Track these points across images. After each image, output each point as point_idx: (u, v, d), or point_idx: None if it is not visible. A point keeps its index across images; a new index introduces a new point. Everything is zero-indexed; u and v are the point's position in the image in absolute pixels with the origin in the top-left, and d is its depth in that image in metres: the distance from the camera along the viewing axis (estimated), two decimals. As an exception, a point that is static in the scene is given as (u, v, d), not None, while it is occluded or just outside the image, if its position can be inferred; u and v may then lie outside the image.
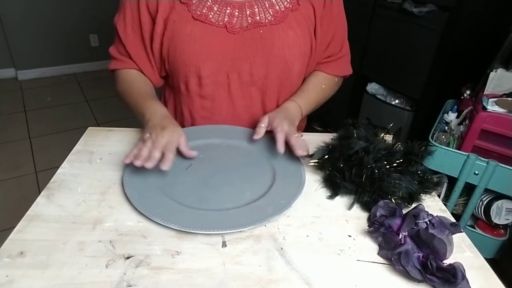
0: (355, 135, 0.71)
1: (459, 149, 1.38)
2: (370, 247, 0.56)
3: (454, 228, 0.55)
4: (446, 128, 1.54)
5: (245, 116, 0.86)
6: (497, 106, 1.32)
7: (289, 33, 0.79)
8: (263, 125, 0.74)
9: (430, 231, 0.53)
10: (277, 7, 0.78)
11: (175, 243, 0.54)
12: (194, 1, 0.76)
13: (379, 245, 0.56)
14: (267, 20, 0.78)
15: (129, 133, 0.81)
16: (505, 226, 1.46)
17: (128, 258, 0.51)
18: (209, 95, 0.83)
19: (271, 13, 0.78)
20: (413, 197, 0.64)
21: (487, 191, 1.38)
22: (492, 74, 1.40)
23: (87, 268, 0.49)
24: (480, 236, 1.47)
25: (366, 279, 0.51)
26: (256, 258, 0.53)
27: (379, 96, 2.02)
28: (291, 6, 0.79)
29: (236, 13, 0.77)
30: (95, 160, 0.72)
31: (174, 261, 0.51)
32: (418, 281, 0.50)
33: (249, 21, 0.77)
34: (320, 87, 0.89)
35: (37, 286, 0.47)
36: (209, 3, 0.76)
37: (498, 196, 1.38)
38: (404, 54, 1.83)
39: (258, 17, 0.78)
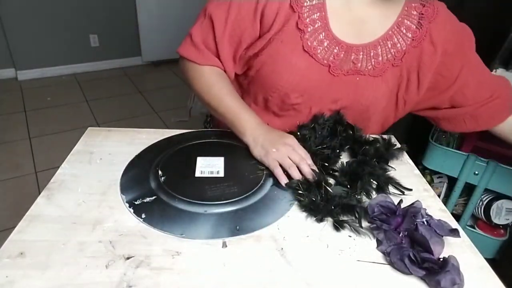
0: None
1: (459, 149, 1.38)
2: (370, 247, 0.56)
3: (453, 234, 0.55)
4: (446, 128, 1.54)
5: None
6: (497, 106, 1.32)
7: (382, 87, 0.78)
8: None
9: (424, 233, 0.53)
10: (380, 58, 0.76)
11: (175, 243, 0.54)
12: (309, 30, 0.73)
13: (378, 240, 0.56)
14: (367, 69, 0.76)
15: (129, 133, 0.81)
16: (505, 226, 1.46)
17: (128, 258, 0.51)
18: (283, 116, 0.82)
19: (373, 63, 0.76)
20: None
21: (487, 191, 1.38)
22: (492, 74, 1.40)
23: (87, 269, 0.49)
24: (480, 236, 1.47)
25: (366, 279, 0.51)
26: (256, 259, 0.53)
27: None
28: (393, 60, 0.76)
29: (342, 55, 0.75)
30: (95, 160, 0.72)
31: (174, 262, 0.51)
32: (406, 274, 0.51)
33: (350, 66, 0.76)
34: None
35: (37, 286, 0.47)
36: (321, 37, 0.74)
37: (498, 196, 1.38)
38: (404, 54, 1.83)
39: (359, 64, 0.76)
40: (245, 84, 0.86)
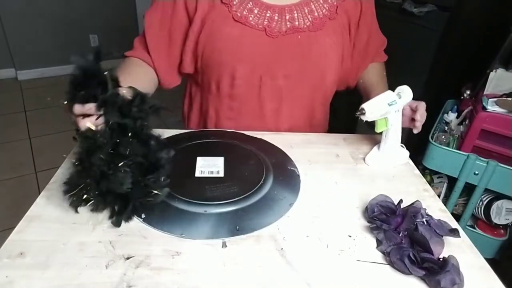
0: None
1: (459, 149, 1.38)
2: (370, 247, 0.56)
3: (453, 234, 0.55)
4: (446, 128, 1.54)
5: (270, 120, 0.86)
6: (497, 106, 1.32)
7: (326, 40, 0.80)
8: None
9: (424, 233, 0.53)
10: (316, 14, 0.79)
11: (175, 243, 0.54)
12: (235, 2, 0.76)
13: (378, 240, 0.56)
14: (305, 26, 0.79)
15: (129, 133, 0.81)
16: (505, 226, 1.46)
17: (128, 258, 0.51)
18: (239, 95, 0.83)
19: (310, 19, 0.79)
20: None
21: (487, 191, 1.38)
22: (492, 74, 1.40)
23: (87, 269, 0.49)
24: (480, 236, 1.47)
25: (366, 279, 0.51)
26: (256, 259, 0.53)
27: (379, 96, 2.01)
28: (329, 14, 0.80)
29: (276, 17, 0.77)
30: (95, 160, 0.71)
31: (174, 262, 0.51)
32: (406, 274, 0.51)
33: (288, 25, 0.78)
34: (384, 75, 0.93)
35: (37, 286, 0.47)
36: (250, 6, 0.77)
37: (498, 196, 1.38)
38: (404, 54, 1.83)
39: (296, 22, 0.78)
40: (199, 79, 0.87)
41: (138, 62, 0.84)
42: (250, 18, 0.76)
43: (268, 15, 0.77)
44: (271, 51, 0.78)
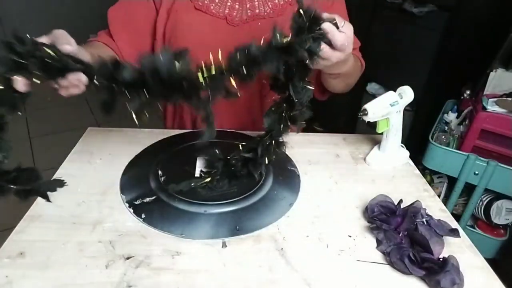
0: None
1: (459, 149, 1.38)
2: (370, 247, 0.56)
3: (453, 234, 0.55)
4: (446, 128, 1.54)
5: (243, 108, 0.87)
6: (497, 106, 1.32)
7: (288, 26, 0.79)
8: None
9: (424, 233, 0.53)
10: (276, 1, 0.80)
11: (175, 243, 0.54)
12: None
13: (378, 240, 0.56)
14: (265, 13, 0.79)
15: (129, 133, 0.81)
16: (505, 226, 1.46)
17: (128, 258, 0.51)
18: None
19: (270, 6, 0.80)
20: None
21: (487, 191, 1.38)
22: (492, 74, 1.40)
23: (87, 269, 0.49)
24: (480, 236, 1.47)
25: (366, 279, 0.51)
26: (256, 259, 0.53)
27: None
28: (290, 0, 0.80)
29: (237, 6, 0.79)
30: (95, 160, 0.72)
31: (174, 262, 0.51)
32: (406, 274, 0.51)
33: (249, 14, 0.79)
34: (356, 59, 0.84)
35: (37, 286, 0.47)
36: None
37: (498, 196, 1.38)
38: (404, 54, 1.83)
39: (257, 10, 0.79)
40: None
41: (103, 45, 0.84)
42: (211, 7, 0.78)
43: (229, 4, 0.78)
44: (232, 40, 0.78)
